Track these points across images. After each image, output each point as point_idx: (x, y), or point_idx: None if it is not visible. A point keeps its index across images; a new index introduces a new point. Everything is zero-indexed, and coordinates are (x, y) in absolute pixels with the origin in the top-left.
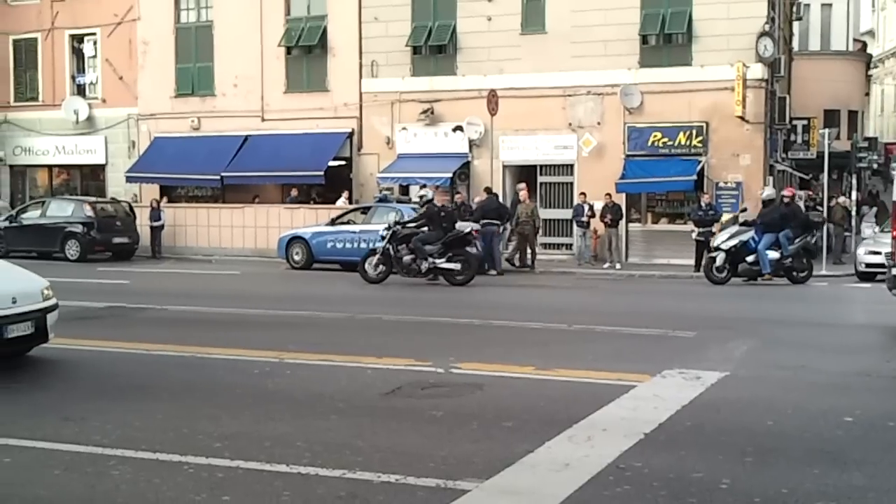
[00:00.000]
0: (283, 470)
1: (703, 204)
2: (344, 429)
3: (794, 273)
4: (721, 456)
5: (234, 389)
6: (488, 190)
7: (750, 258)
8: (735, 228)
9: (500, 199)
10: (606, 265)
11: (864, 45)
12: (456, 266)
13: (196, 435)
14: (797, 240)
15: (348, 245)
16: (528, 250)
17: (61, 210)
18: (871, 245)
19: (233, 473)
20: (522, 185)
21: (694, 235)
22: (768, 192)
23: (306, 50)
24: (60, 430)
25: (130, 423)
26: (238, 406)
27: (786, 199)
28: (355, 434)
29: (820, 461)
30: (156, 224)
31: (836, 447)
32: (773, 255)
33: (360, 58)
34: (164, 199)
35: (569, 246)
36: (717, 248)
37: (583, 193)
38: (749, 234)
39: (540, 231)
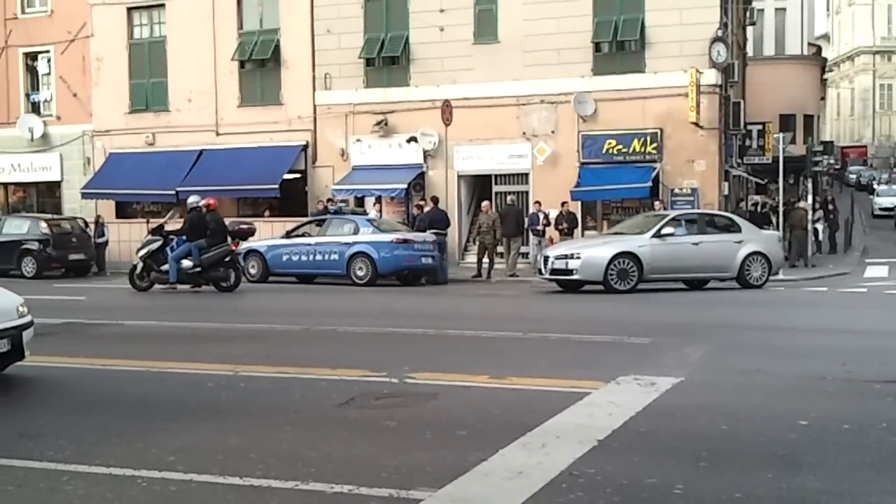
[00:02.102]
0: (236, 483)
1: (656, 210)
2: (297, 440)
3: (221, 283)
4: (675, 461)
5: (188, 403)
6: (435, 200)
7: (165, 266)
8: (148, 238)
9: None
10: None
11: (819, 49)
12: None
13: (150, 449)
14: (213, 248)
15: (304, 258)
16: (487, 259)
17: (17, 227)
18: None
19: (186, 487)
20: (486, 202)
21: None
22: (192, 199)
23: (260, 64)
24: (14, 447)
25: (85, 439)
26: (192, 419)
27: (204, 209)
28: (309, 445)
29: (774, 465)
30: (100, 240)
31: (791, 451)
32: (187, 263)
33: (314, 70)
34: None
35: (525, 255)
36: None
37: (538, 202)
38: (159, 243)
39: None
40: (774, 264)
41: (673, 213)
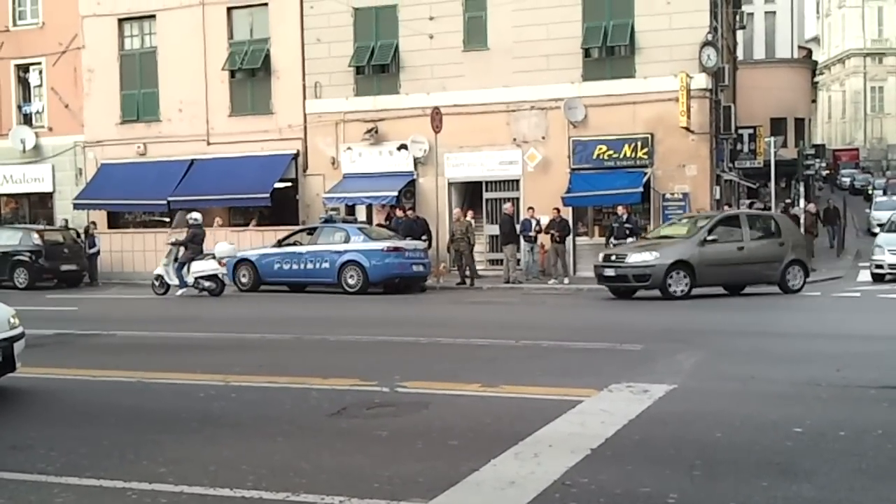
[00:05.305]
0: (227, 494)
1: (620, 216)
2: (289, 451)
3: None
4: (669, 470)
5: (179, 414)
6: (403, 209)
7: None
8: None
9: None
10: (553, 280)
11: (809, 52)
12: None
13: (141, 461)
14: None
15: (295, 266)
16: (465, 267)
17: (9, 239)
18: None
19: (176, 499)
20: (458, 210)
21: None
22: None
23: (250, 73)
24: (6, 459)
25: (76, 451)
26: (183, 431)
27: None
28: (300, 456)
29: (769, 473)
30: (92, 251)
31: (786, 458)
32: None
33: (304, 79)
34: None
35: (518, 261)
36: None
37: (530, 208)
38: None
39: (475, 247)
40: None
41: None
